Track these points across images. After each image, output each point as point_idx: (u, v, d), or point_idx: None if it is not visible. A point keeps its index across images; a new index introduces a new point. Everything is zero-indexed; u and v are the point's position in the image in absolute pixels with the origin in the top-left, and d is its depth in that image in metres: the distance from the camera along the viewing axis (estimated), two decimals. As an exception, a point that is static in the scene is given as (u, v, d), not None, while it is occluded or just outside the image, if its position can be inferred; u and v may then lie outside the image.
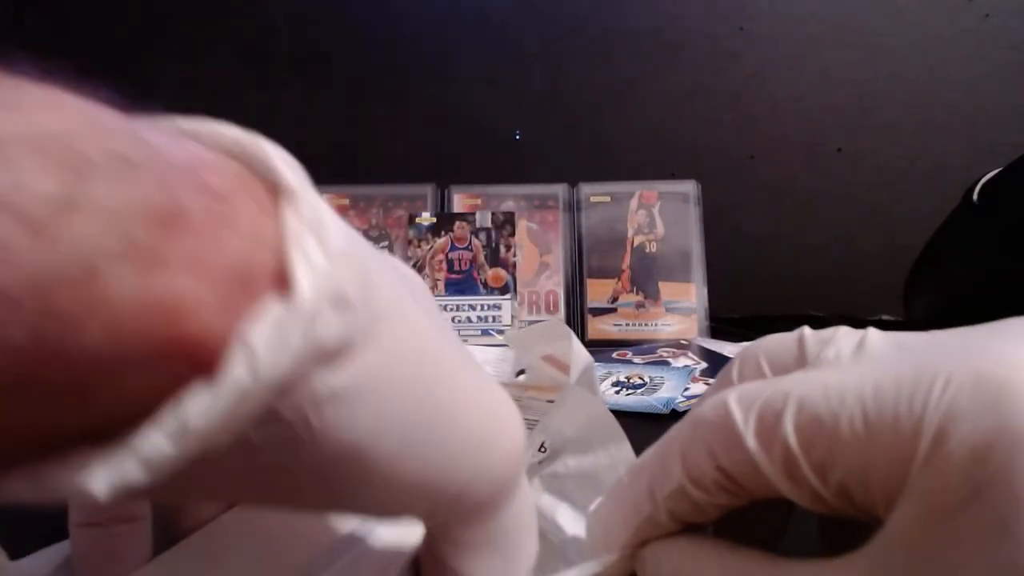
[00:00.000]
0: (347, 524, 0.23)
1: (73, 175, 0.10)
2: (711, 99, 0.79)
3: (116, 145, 0.11)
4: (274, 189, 0.13)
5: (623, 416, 0.44)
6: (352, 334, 0.13)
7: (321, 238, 0.13)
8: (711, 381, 0.49)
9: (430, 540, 0.19)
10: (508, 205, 0.72)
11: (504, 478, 0.17)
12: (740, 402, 0.16)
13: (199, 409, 0.12)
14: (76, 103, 0.12)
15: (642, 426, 0.41)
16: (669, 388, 0.48)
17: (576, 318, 0.67)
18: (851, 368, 0.16)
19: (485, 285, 0.68)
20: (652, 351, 0.57)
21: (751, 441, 0.16)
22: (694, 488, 0.17)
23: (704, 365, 0.53)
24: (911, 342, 0.16)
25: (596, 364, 0.56)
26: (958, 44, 0.77)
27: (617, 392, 0.49)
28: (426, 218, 0.70)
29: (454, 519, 0.17)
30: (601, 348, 0.60)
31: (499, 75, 0.79)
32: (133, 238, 0.11)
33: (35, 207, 0.10)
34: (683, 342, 0.60)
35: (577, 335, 0.66)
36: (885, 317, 0.69)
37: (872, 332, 0.18)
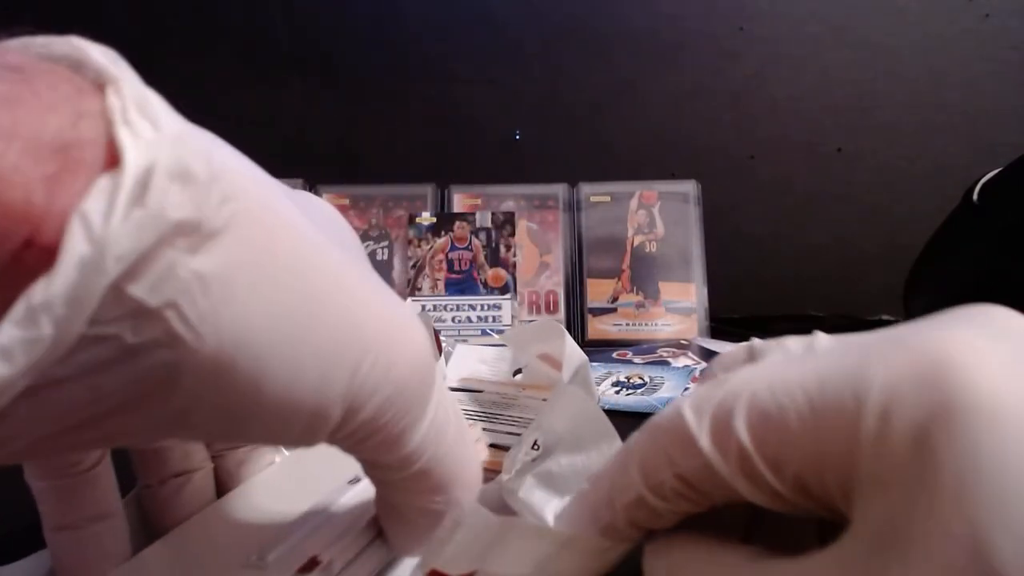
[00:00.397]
0: (311, 499, 0.23)
1: None
2: (711, 99, 0.79)
3: None
4: (98, 80, 0.13)
5: (622, 416, 0.44)
6: (203, 212, 0.13)
7: (147, 114, 0.13)
8: (711, 381, 0.49)
9: (375, 485, 0.19)
10: (508, 205, 0.72)
11: (406, 387, 0.17)
12: (693, 406, 0.16)
13: (45, 287, 0.11)
14: None
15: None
16: (669, 388, 0.48)
17: (576, 318, 0.67)
18: (797, 362, 0.16)
19: (485, 285, 0.68)
20: (652, 351, 0.57)
21: (705, 443, 0.15)
22: (653, 496, 0.16)
23: (704, 365, 0.53)
24: (857, 339, 0.16)
25: (596, 364, 0.56)
26: (958, 44, 0.77)
27: (617, 392, 0.49)
28: (426, 218, 0.70)
29: (370, 444, 0.17)
30: (601, 348, 0.60)
31: (499, 75, 0.79)
32: None
33: None
34: (683, 342, 0.60)
35: (577, 335, 0.66)
36: (885, 317, 0.69)
37: (820, 335, 0.18)
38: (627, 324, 0.66)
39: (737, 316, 0.71)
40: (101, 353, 0.12)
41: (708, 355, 0.56)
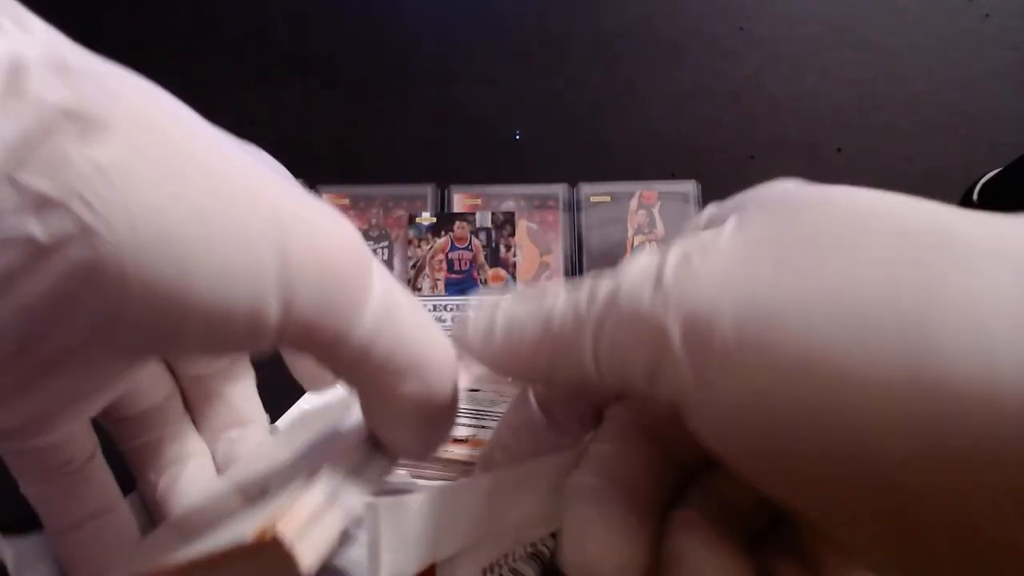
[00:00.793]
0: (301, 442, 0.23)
1: None
2: (711, 99, 0.79)
3: None
4: None
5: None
6: (88, 101, 0.13)
7: (14, 16, 0.13)
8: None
9: (350, 393, 0.19)
10: (508, 205, 0.72)
11: (340, 270, 0.16)
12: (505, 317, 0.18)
13: None
14: None
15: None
16: None
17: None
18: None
19: (485, 285, 0.68)
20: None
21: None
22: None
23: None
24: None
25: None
26: (958, 44, 0.77)
27: None
28: (426, 218, 0.70)
29: (320, 338, 0.16)
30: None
31: (499, 75, 0.79)
32: None
33: None
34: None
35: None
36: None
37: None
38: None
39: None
40: (14, 257, 0.12)
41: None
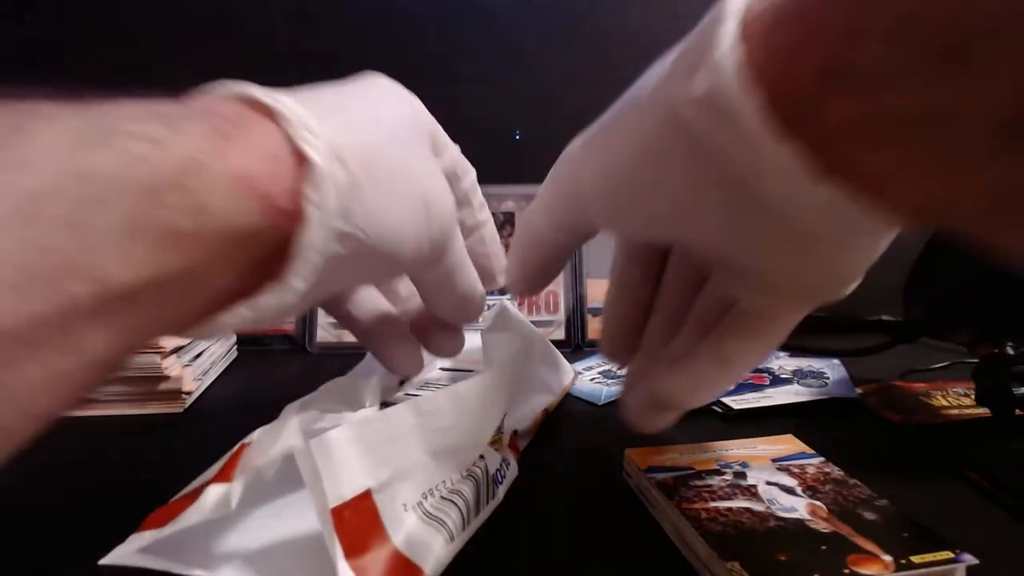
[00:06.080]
0: None
1: (169, 126, 0.19)
2: (711, 99, 0.79)
3: (178, 112, 0.20)
4: (270, 113, 0.22)
5: (584, 402, 0.44)
6: (355, 176, 0.23)
7: (309, 127, 0.22)
8: (711, 381, 0.49)
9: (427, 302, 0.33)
10: (508, 205, 0.72)
11: (442, 227, 0.28)
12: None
13: (307, 233, 0.21)
14: (145, 103, 0.20)
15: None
16: None
17: (576, 318, 0.67)
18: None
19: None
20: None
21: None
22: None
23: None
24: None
25: (596, 360, 0.56)
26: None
27: (592, 380, 0.49)
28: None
29: (427, 261, 0.28)
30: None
31: (499, 75, 0.79)
32: (209, 143, 0.20)
33: (150, 134, 0.18)
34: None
35: (577, 336, 0.66)
36: (885, 317, 0.69)
37: None
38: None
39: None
40: (334, 262, 0.23)
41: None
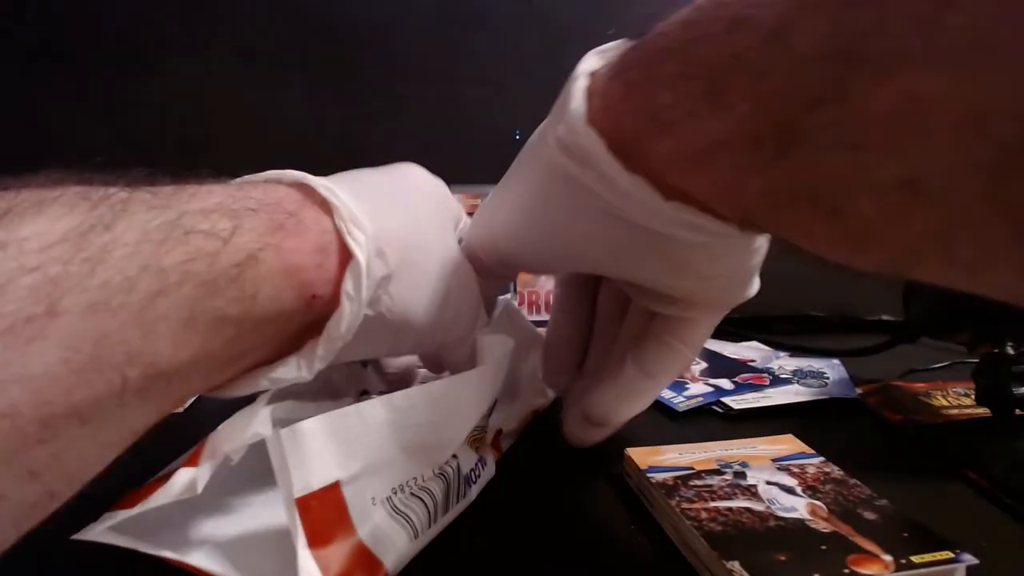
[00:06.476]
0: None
1: (233, 220, 0.21)
2: (711, 99, 0.79)
3: (243, 203, 0.22)
4: (324, 203, 0.25)
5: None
6: (391, 268, 0.26)
7: (358, 224, 0.24)
8: (711, 381, 0.49)
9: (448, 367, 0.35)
10: (508, 205, 0.72)
11: (468, 326, 0.32)
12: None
13: (337, 322, 0.24)
14: (215, 189, 0.22)
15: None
16: None
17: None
18: None
19: (485, 285, 0.68)
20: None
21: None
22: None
23: (704, 365, 0.53)
24: None
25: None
26: (958, 44, 0.77)
27: None
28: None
29: (451, 347, 0.32)
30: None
31: (499, 75, 0.79)
32: (267, 240, 0.22)
33: (223, 236, 0.21)
34: (683, 342, 0.60)
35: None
36: (885, 317, 0.69)
37: None
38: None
39: (737, 316, 0.70)
40: (368, 326, 0.25)
41: (708, 355, 0.56)
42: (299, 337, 0.24)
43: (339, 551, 0.22)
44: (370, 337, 0.26)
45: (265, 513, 0.27)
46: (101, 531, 0.24)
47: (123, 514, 0.24)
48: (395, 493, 0.26)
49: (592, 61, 0.25)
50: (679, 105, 0.19)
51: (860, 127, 0.15)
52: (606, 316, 0.36)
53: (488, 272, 0.32)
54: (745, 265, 0.28)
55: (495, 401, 0.33)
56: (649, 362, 0.31)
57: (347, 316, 0.24)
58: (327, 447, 0.23)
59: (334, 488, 0.23)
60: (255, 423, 0.24)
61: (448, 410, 0.28)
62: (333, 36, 0.78)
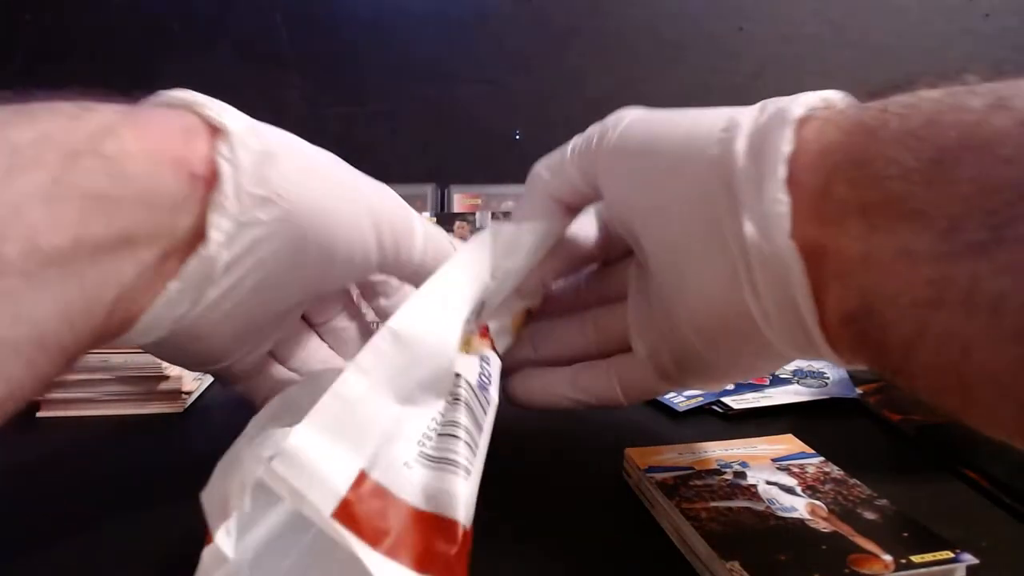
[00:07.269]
0: None
1: (82, 108, 0.21)
2: (711, 99, 0.79)
3: (98, 102, 0.22)
4: (185, 104, 0.24)
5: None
6: (270, 146, 0.24)
7: (222, 110, 0.23)
8: (711, 381, 0.49)
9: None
10: (508, 205, 0.72)
11: (396, 212, 0.28)
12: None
13: (220, 187, 0.22)
14: (104, 109, 0.22)
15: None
16: None
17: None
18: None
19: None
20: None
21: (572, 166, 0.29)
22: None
23: (704, 365, 0.53)
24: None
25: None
26: (958, 44, 0.77)
27: None
28: (426, 218, 0.70)
29: (401, 252, 0.28)
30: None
31: (499, 75, 0.79)
32: (123, 118, 0.21)
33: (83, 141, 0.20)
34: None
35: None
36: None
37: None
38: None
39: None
40: (257, 232, 0.23)
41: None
42: (198, 240, 0.23)
43: (405, 535, 0.20)
44: (282, 243, 0.24)
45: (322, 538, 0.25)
46: None
47: None
48: (423, 445, 0.23)
49: (803, 107, 0.22)
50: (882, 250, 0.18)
51: None
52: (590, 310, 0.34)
53: (555, 186, 0.30)
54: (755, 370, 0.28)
55: (481, 302, 0.29)
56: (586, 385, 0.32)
57: (230, 182, 0.22)
58: (328, 447, 0.21)
59: (362, 479, 0.21)
60: (244, 469, 0.22)
61: (422, 343, 0.24)
62: (333, 36, 0.77)
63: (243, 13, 0.76)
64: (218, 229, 0.22)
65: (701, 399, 0.45)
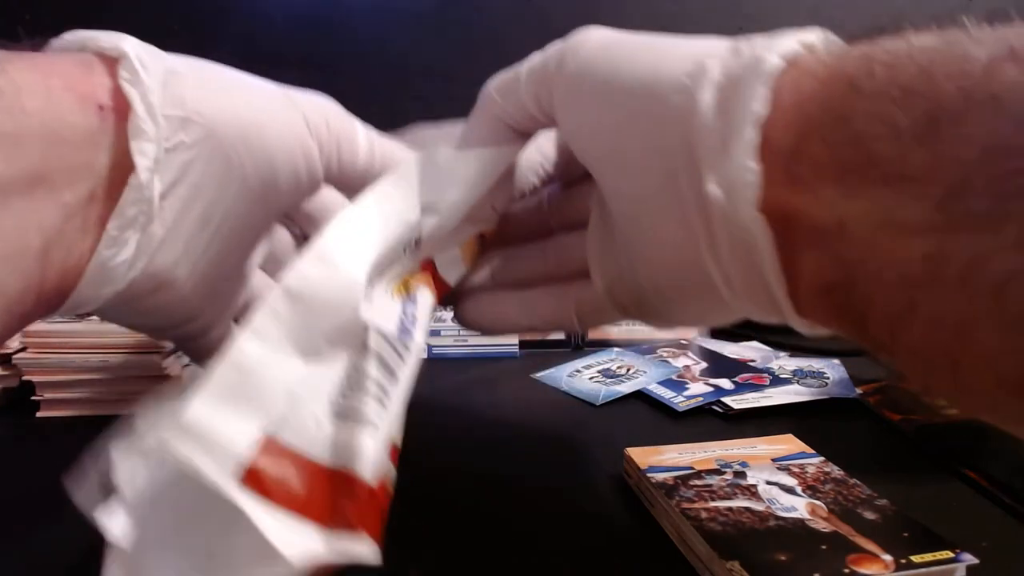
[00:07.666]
0: None
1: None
2: (711, 99, 0.79)
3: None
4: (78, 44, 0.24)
5: (582, 402, 0.44)
6: (178, 68, 0.23)
7: (116, 40, 0.23)
8: (712, 381, 0.49)
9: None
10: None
11: (336, 116, 0.27)
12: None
13: (134, 117, 0.21)
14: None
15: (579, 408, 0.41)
16: (644, 379, 0.49)
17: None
18: None
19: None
20: (652, 351, 0.57)
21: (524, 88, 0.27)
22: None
23: (704, 365, 0.53)
24: None
25: (596, 359, 0.55)
26: (958, 44, 0.77)
27: (591, 379, 0.49)
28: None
29: (344, 155, 0.27)
30: (602, 349, 0.60)
31: (499, 75, 0.79)
32: (7, 57, 0.21)
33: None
34: (683, 342, 0.60)
35: (578, 335, 0.65)
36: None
37: None
38: (627, 324, 0.66)
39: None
40: (184, 156, 0.22)
41: (708, 355, 0.56)
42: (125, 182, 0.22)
43: (316, 494, 0.20)
44: (211, 165, 0.23)
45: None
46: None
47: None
48: (335, 402, 0.22)
49: (780, 54, 0.20)
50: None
51: None
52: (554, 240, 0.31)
53: (504, 110, 0.29)
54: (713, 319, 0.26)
55: (415, 239, 0.27)
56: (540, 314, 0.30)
57: (141, 104, 0.21)
58: (225, 416, 0.20)
59: (269, 444, 0.20)
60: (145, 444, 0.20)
61: (319, 294, 0.23)
62: (333, 36, 0.78)
63: (243, 13, 0.76)
64: (143, 155, 0.21)
65: (701, 399, 0.45)
